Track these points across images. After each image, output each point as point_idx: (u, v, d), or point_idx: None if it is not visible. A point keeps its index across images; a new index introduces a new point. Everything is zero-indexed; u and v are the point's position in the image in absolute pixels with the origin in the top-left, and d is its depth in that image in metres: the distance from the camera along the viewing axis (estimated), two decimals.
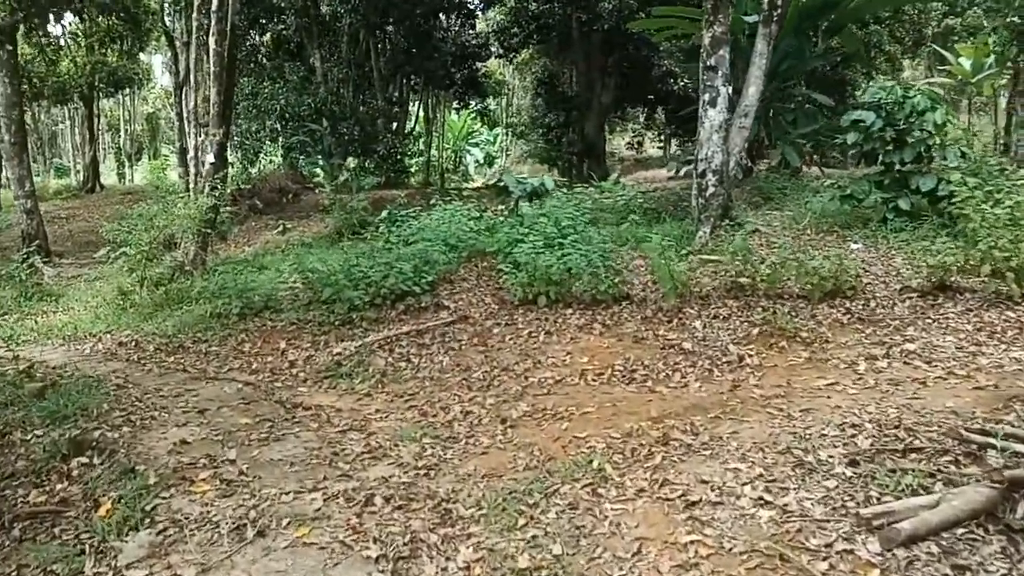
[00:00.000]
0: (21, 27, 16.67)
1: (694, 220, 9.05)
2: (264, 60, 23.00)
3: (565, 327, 6.48)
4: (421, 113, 27.91)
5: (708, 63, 8.78)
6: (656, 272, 6.99)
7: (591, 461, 3.89)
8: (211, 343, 6.95)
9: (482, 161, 38.14)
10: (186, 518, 3.51)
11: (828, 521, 3.09)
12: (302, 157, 20.75)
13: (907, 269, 6.88)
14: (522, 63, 27.96)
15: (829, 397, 4.51)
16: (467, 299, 7.47)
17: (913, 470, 3.36)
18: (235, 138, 19.38)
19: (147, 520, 3.48)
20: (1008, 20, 15.30)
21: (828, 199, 9.65)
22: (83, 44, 25.39)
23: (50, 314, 9.24)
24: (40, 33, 21.93)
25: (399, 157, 22.50)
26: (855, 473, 3.44)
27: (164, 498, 3.71)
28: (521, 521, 3.35)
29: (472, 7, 23.53)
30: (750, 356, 5.44)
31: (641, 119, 31.48)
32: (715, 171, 8.79)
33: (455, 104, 29.81)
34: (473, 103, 27.94)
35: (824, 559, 2.85)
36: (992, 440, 3.44)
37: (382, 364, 6.05)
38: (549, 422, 4.67)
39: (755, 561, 2.90)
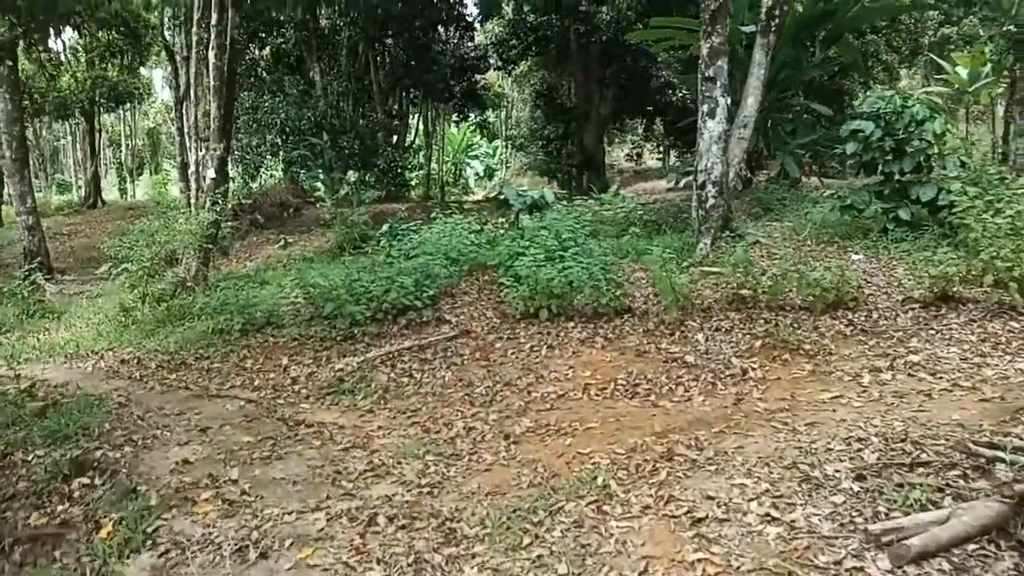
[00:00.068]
0: (21, 43, 16.75)
1: (694, 232, 9.05)
2: (264, 74, 23.11)
3: (567, 341, 6.46)
4: (421, 126, 28.01)
5: (706, 74, 8.81)
6: (657, 284, 6.98)
7: (595, 477, 3.86)
8: (213, 360, 6.94)
9: (482, 174, 38.28)
10: (188, 540, 3.48)
11: (836, 538, 3.06)
12: (303, 171, 20.82)
13: (909, 280, 6.86)
14: (521, 75, 28.09)
15: (834, 410, 4.48)
16: (469, 313, 7.45)
17: (921, 484, 3.33)
18: (236, 152, 19.44)
19: (149, 542, 3.46)
20: (1005, 29, 15.37)
21: (828, 209, 9.65)
22: (83, 59, 25.52)
23: (52, 331, 9.23)
24: (40, 48, 22.05)
25: (399, 170, 22.56)
26: (862, 488, 3.41)
27: (166, 519, 3.68)
28: (526, 540, 3.32)
29: (470, 20, 23.66)
30: (753, 369, 5.42)
31: (640, 130, 31.57)
32: (715, 182, 8.80)
33: (455, 117, 29.95)
34: (472, 115, 28.06)
35: None
36: (1000, 453, 3.41)
37: (384, 380, 6.03)
38: (552, 438, 4.64)
39: None
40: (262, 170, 22.13)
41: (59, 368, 7.17)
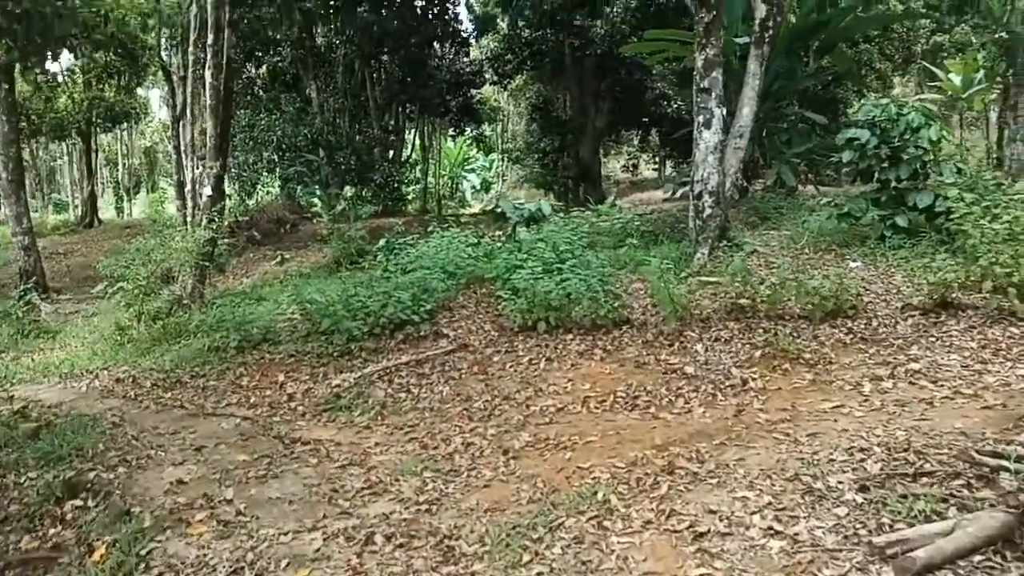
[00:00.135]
0: (18, 65, 16.79)
1: (692, 242, 9.03)
2: (260, 92, 23.17)
3: (565, 353, 6.42)
4: (417, 141, 28.07)
5: (701, 85, 8.83)
6: (656, 295, 6.95)
7: (596, 492, 3.81)
8: (209, 377, 6.89)
9: (479, 187, 38.37)
10: (182, 562, 3.42)
11: (840, 550, 3.01)
12: (299, 187, 20.84)
13: (907, 287, 6.83)
14: (516, 89, 28.19)
15: (835, 420, 4.44)
16: (466, 327, 7.41)
17: (925, 495, 3.28)
18: (232, 170, 19.48)
19: (142, 565, 3.40)
20: (996, 36, 15.46)
21: (825, 218, 9.63)
22: (80, 80, 25.59)
23: (47, 351, 9.19)
24: (37, 70, 22.11)
25: (396, 185, 22.59)
26: (866, 499, 3.36)
27: (159, 541, 3.62)
28: (526, 557, 3.27)
29: (466, 35, 23.77)
30: (753, 379, 5.37)
31: (635, 142, 31.68)
32: (711, 192, 8.79)
33: (451, 131, 29.98)
34: (469, 130, 28.12)
35: None
36: (1005, 462, 3.36)
37: (381, 395, 5.98)
38: (552, 452, 4.59)
39: None
40: (259, 187, 22.16)
41: (53, 388, 7.12)
